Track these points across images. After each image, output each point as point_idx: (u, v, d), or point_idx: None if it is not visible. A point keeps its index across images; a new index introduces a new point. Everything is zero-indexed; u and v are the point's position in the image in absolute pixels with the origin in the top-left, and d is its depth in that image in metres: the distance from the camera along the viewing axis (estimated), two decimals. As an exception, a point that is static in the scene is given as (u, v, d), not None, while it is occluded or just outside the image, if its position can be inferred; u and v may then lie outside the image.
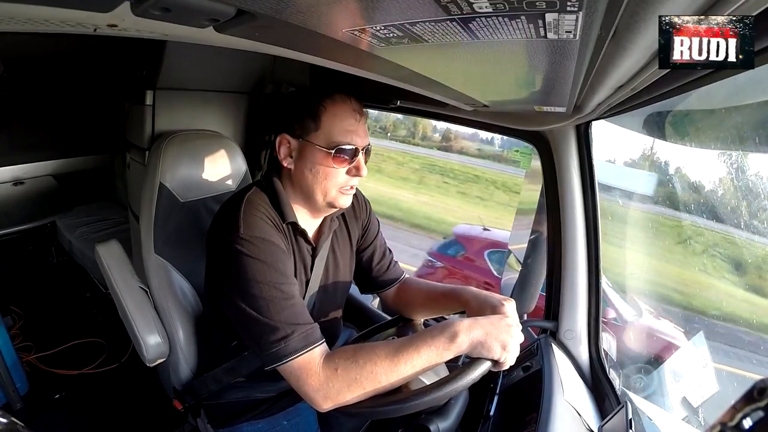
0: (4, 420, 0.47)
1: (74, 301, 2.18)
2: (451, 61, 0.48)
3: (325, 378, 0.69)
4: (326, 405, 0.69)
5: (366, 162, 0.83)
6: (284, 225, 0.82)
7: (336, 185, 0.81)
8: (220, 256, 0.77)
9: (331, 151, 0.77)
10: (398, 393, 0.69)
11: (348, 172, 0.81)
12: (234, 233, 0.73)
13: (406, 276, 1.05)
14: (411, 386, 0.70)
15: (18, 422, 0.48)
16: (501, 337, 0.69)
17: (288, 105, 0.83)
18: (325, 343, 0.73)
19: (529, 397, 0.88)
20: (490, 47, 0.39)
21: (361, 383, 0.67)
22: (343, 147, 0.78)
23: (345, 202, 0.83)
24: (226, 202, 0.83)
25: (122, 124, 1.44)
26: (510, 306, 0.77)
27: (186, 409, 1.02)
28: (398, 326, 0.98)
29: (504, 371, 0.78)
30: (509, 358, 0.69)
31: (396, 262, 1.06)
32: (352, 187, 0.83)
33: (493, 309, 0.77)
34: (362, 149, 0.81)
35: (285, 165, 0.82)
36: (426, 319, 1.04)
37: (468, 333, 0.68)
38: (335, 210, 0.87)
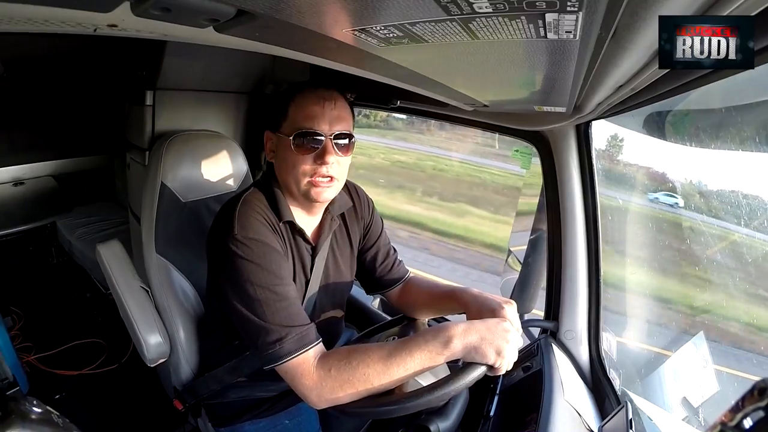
0: (39, 409, 0.47)
1: (74, 301, 2.17)
2: (451, 61, 0.48)
3: (319, 378, 0.69)
4: (320, 403, 0.71)
5: (350, 151, 0.81)
6: (281, 225, 0.82)
7: (304, 174, 0.79)
8: (217, 257, 0.77)
9: (290, 137, 0.78)
10: (391, 395, 0.69)
11: (314, 161, 0.78)
12: (228, 234, 0.74)
13: (411, 275, 1.04)
14: (406, 387, 0.70)
15: (53, 411, 0.49)
16: (496, 343, 0.67)
17: (272, 104, 0.86)
18: (321, 344, 0.73)
19: (529, 397, 0.88)
20: (490, 47, 0.39)
21: (354, 384, 0.68)
22: (302, 131, 0.77)
23: (316, 194, 0.80)
24: (225, 203, 0.83)
25: (122, 125, 1.44)
26: (510, 309, 0.75)
27: (186, 409, 1.02)
28: (401, 326, 0.97)
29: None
30: (504, 363, 0.68)
31: (401, 261, 1.04)
32: (331, 179, 0.80)
33: (493, 312, 0.75)
34: (330, 136, 0.78)
35: (269, 159, 0.86)
36: (430, 319, 1.03)
37: (462, 338, 0.68)
38: (321, 204, 0.85)
